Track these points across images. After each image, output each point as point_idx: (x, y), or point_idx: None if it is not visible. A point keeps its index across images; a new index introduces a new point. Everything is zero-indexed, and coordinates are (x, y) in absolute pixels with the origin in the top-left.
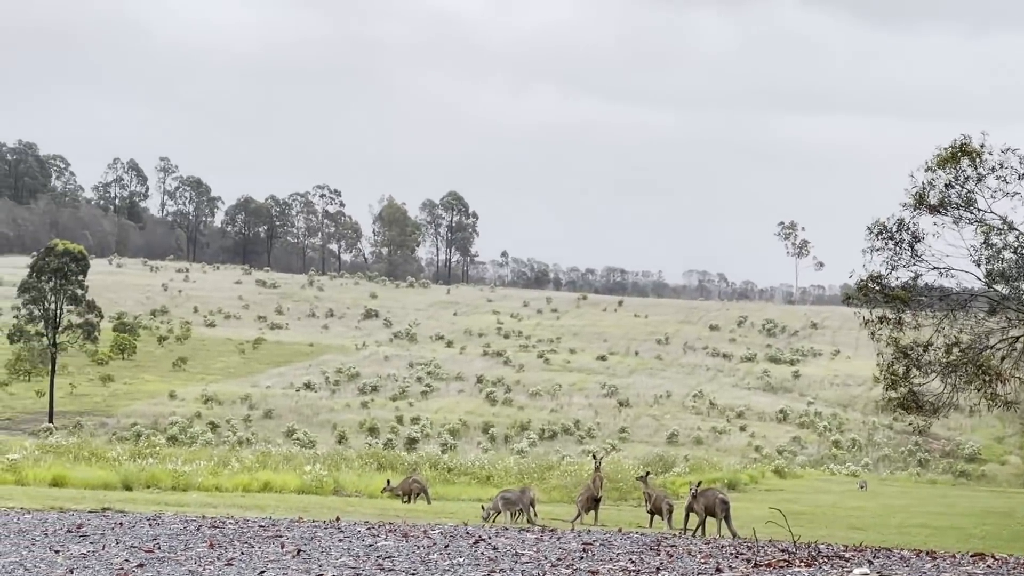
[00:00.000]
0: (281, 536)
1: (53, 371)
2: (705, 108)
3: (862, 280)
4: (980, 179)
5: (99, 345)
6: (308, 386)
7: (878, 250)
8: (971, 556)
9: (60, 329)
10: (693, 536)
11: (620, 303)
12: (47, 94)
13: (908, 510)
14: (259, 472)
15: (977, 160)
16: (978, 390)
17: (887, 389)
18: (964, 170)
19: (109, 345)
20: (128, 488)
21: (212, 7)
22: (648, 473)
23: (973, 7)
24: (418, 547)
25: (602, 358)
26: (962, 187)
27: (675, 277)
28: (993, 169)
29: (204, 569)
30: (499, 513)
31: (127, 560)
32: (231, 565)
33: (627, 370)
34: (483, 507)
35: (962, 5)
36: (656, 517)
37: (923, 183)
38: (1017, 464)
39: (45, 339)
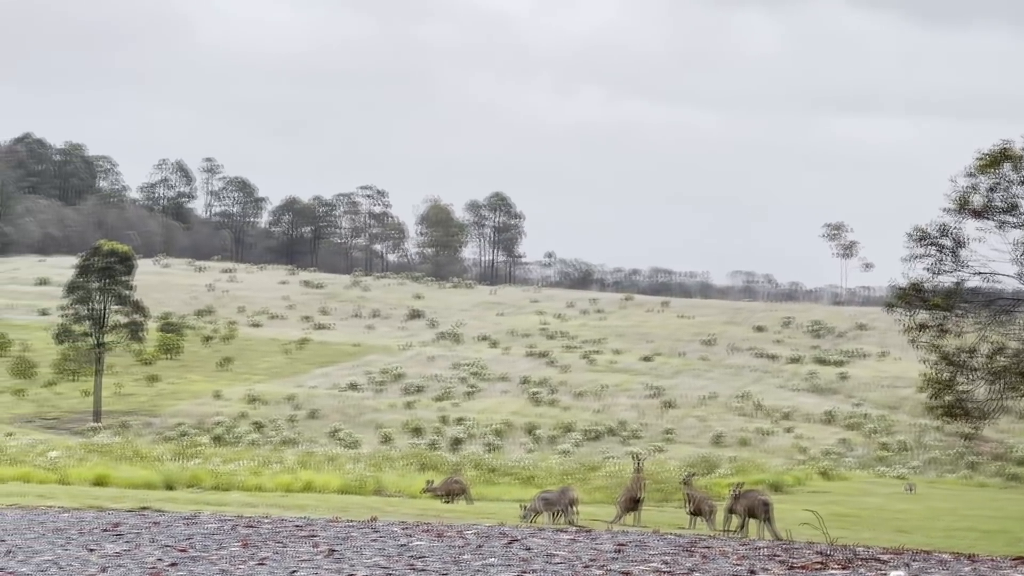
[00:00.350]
0: (316, 536)
1: (99, 371)
2: (751, 109)
3: (902, 288)
4: (1023, 183)
5: (145, 345)
6: (353, 386)
7: (919, 257)
8: (1012, 560)
9: (106, 329)
10: (731, 535)
11: (665, 304)
12: (95, 95)
13: (955, 513)
14: (301, 472)
15: (1019, 164)
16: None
17: (932, 397)
18: (1007, 174)
19: (155, 345)
20: (170, 488)
21: (259, 8)
22: (692, 475)
23: (1020, 6)
24: (451, 547)
25: (647, 359)
26: (1005, 191)
27: (721, 278)
28: None
29: (236, 568)
30: (538, 513)
31: (160, 559)
32: (263, 564)
33: (672, 371)
34: (522, 507)
35: (1012, 5)
36: (698, 519)
37: (965, 188)
38: None
39: (91, 339)
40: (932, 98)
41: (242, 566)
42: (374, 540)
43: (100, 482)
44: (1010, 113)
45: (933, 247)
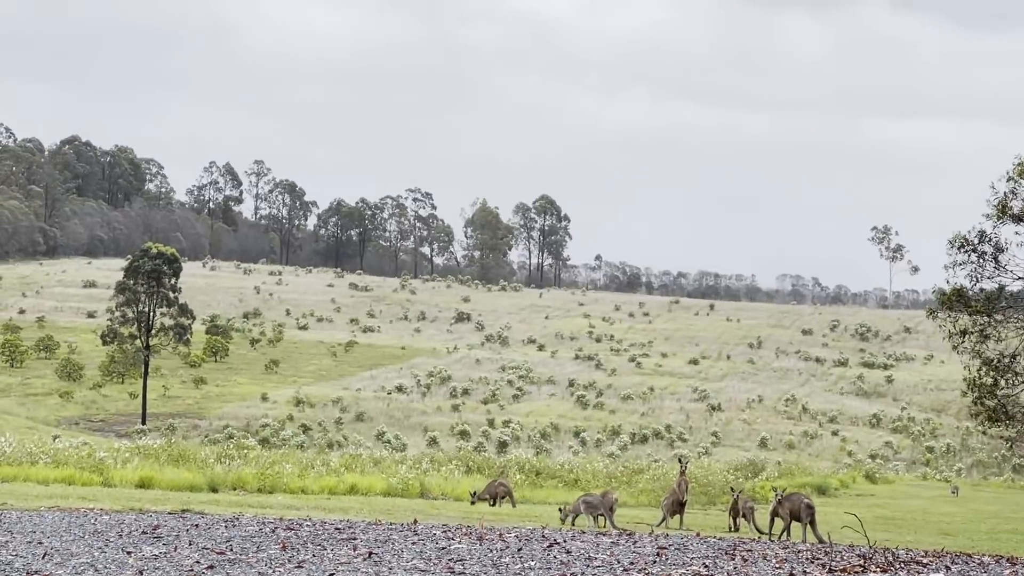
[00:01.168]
0: (356, 539)
1: (146, 373)
2: (797, 111)
3: (944, 294)
4: None
5: (192, 347)
6: (399, 389)
7: (960, 264)
8: None
9: (153, 331)
10: (775, 540)
11: (712, 307)
12: (144, 98)
13: (999, 516)
14: (346, 475)
15: None
16: None
17: (975, 403)
18: None
19: (202, 347)
20: (214, 490)
21: (305, 12)
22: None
23: None
24: (491, 550)
25: (694, 362)
26: None
27: (768, 281)
28: None
29: (274, 571)
30: (576, 516)
31: (198, 562)
32: (301, 567)
33: (719, 374)
34: (561, 509)
35: None
36: (741, 520)
37: (1005, 192)
38: None
39: (138, 341)
40: (975, 101)
41: (280, 569)
42: (414, 543)
43: (144, 484)
44: None
45: (974, 253)
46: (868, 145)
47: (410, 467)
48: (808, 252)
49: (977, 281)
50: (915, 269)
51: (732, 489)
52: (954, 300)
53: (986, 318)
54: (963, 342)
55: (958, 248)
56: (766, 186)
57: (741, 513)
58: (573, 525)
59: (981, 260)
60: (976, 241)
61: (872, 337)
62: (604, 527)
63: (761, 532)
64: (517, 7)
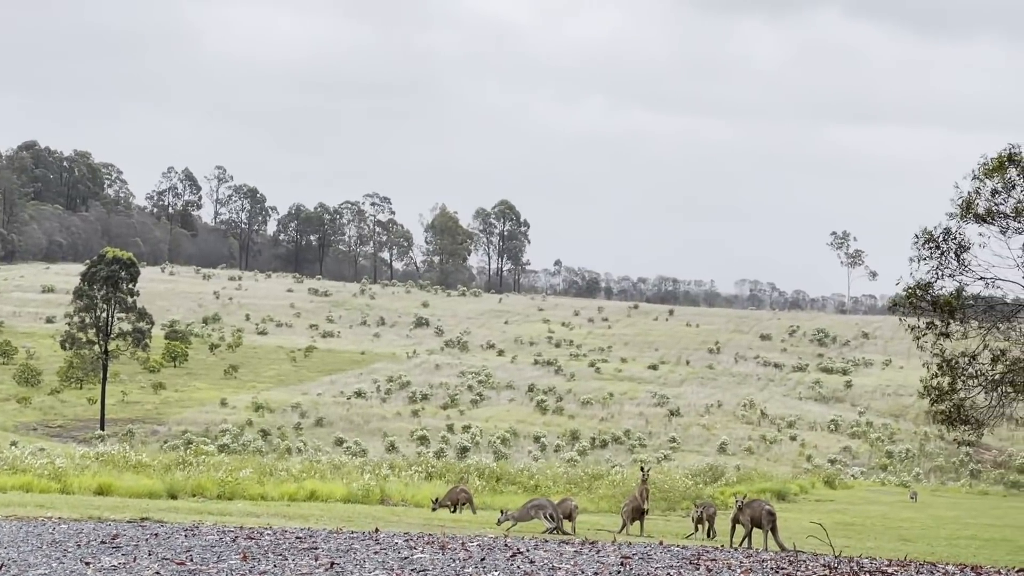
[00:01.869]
0: (317, 548)
1: (105, 378)
2: (754, 118)
3: (909, 288)
4: None
5: (150, 353)
6: (359, 394)
7: (924, 259)
8: (1016, 571)
9: (111, 337)
10: (737, 549)
11: (671, 312)
12: (103, 103)
13: (958, 521)
14: (306, 481)
15: None
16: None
17: (932, 403)
18: (1013, 179)
19: (161, 353)
20: (173, 497)
21: (265, 18)
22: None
23: (1019, 18)
24: (454, 560)
25: (653, 367)
26: (1008, 195)
27: (727, 286)
28: None
29: None
30: (517, 522)
31: (158, 573)
32: None
33: (678, 379)
34: (502, 512)
35: (1006, 15)
36: (699, 526)
37: (969, 192)
38: None
39: (97, 347)
40: (929, 109)
41: None
42: (376, 553)
43: (102, 491)
44: (1006, 123)
45: (937, 250)
46: (825, 152)
47: (371, 473)
48: (766, 257)
49: (939, 278)
50: (873, 275)
51: (695, 504)
52: (918, 294)
53: (948, 316)
54: (926, 334)
55: (923, 244)
56: (725, 192)
57: (706, 517)
58: (508, 532)
59: (944, 258)
60: (940, 238)
61: (830, 342)
62: (548, 529)
63: (709, 536)
64: (477, 14)
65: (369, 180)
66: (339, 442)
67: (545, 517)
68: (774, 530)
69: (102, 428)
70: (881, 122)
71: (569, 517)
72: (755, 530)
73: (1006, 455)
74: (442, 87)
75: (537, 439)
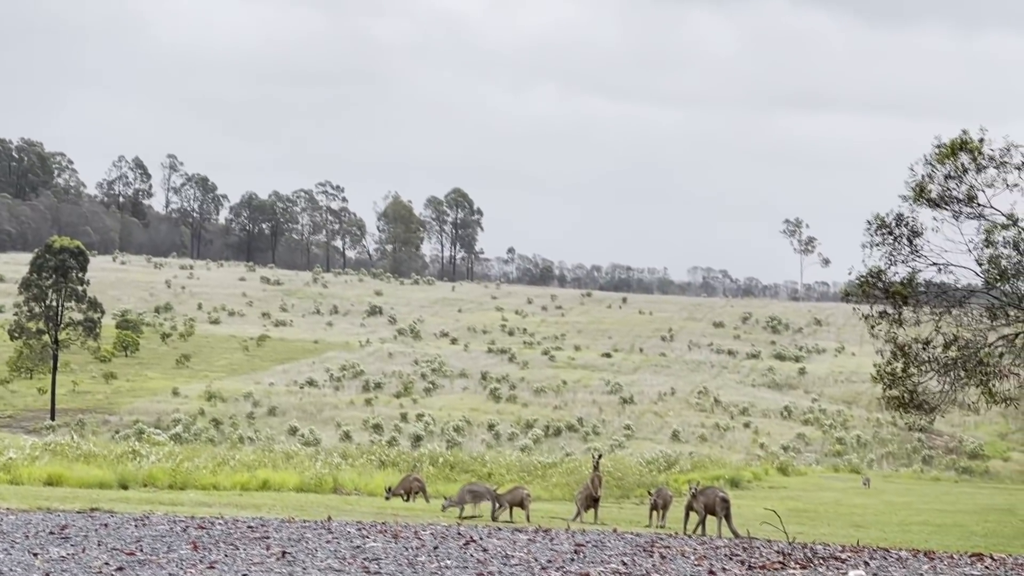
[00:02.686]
0: (269, 537)
1: (55, 368)
2: (706, 106)
3: (862, 276)
4: (980, 170)
5: (101, 342)
6: (312, 383)
7: (877, 245)
8: (969, 556)
9: (62, 326)
10: (692, 536)
11: (625, 300)
12: (51, 92)
13: (910, 507)
14: (258, 470)
15: (977, 155)
16: (976, 387)
17: (885, 389)
18: (964, 165)
19: (112, 342)
20: (124, 487)
21: (213, 6)
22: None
23: (967, 6)
24: (407, 548)
25: (607, 355)
26: (961, 180)
27: (680, 274)
28: (992, 160)
29: (185, 572)
30: (463, 506)
31: (107, 563)
32: (213, 568)
33: (632, 367)
34: (445, 498)
35: (956, 4)
36: (655, 513)
37: (923, 176)
38: (1020, 460)
39: (47, 336)
40: (880, 96)
41: (191, 570)
42: (328, 542)
43: (52, 482)
44: (957, 112)
45: (890, 236)
46: (777, 140)
47: (323, 462)
48: (718, 245)
49: (892, 264)
50: (826, 262)
51: (649, 493)
52: (871, 282)
53: (902, 301)
54: (880, 323)
55: (875, 230)
56: (677, 180)
57: (661, 504)
58: (461, 518)
59: (897, 243)
60: (893, 224)
61: (783, 329)
62: (485, 515)
63: (659, 525)
64: (429, 3)
65: (322, 169)
66: (292, 431)
67: (483, 502)
68: (728, 517)
69: (53, 418)
70: (832, 110)
71: (521, 505)
72: (709, 517)
73: (957, 441)
74: (394, 76)
75: (491, 427)
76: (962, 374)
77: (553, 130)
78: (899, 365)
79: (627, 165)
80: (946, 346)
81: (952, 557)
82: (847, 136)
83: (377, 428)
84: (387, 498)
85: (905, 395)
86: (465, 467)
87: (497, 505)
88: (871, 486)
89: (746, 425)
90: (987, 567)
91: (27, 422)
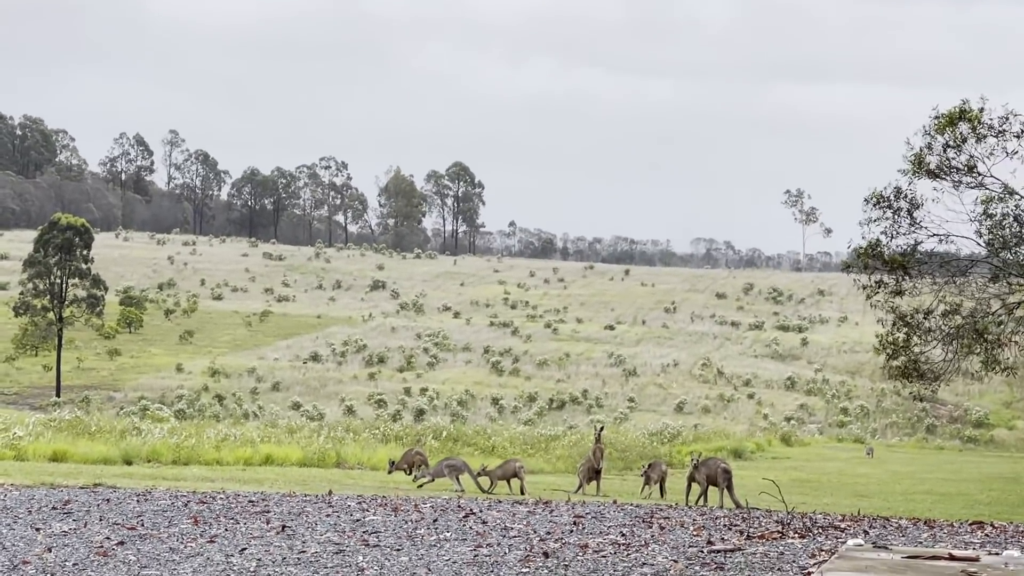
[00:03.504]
0: (269, 512)
1: (60, 345)
2: (705, 78)
3: (860, 249)
4: (980, 139)
5: (105, 319)
6: (315, 358)
7: (876, 220)
8: (970, 524)
9: (66, 303)
10: (693, 507)
11: (627, 272)
12: (51, 69)
13: (914, 476)
14: (261, 445)
15: (976, 124)
16: (978, 355)
17: (888, 359)
18: (963, 134)
19: (116, 319)
20: (128, 463)
21: None
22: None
23: None
24: (407, 521)
25: (609, 327)
26: (959, 150)
27: (682, 246)
28: (991, 128)
29: (186, 546)
30: (433, 479)
31: (108, 538)
32: (213, 542)
33: (634, 339)
34: (419, 472)
35: None
36: (647, 487)
37: (921, 147)
38: None
39: (51, 314)
40: (880, 66)
41: (191, 544)
42: (328, 515)
43: (57, 458)
44: (955, 81)
45: (889, 210)
46: (775, 111)
47: (327, 436)
48: (721, 216)
49: (892, 238)
50: (828, 231)
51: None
52: (869, 255)
53: (902, 273)
54: (878, 293)
55: (874, 204)
56: (677, 152)
57: (658, 478)
58: (420, 487)
59: (896, 217)
60: (892, 197)
61: (786, 300)
62: (462, 489)
63: (645, 489)
64: None
65: (323, 144)
66: (296, 406)
67: (456, 478)
68: (730, 488)
69: (58, 395)
70: (831, 80)
71: (516, 476)
72: (711, 488)
73: (962, 410)
74: (391, 50)
75: (494, 401)
76: (965, 343)
77: (551, 103)
78: (901, 335)
79: (626, 137)
80: (947, 314)
81: (952, 525)
82: (846, 106)
83: (381, 403)
84: (389, 472)
85: (908, 365)
86: (468, 440)
87: (479, 478)
88: (875, 456)
89: (749, 396)
90: (987, 535)
91: (33, 399)
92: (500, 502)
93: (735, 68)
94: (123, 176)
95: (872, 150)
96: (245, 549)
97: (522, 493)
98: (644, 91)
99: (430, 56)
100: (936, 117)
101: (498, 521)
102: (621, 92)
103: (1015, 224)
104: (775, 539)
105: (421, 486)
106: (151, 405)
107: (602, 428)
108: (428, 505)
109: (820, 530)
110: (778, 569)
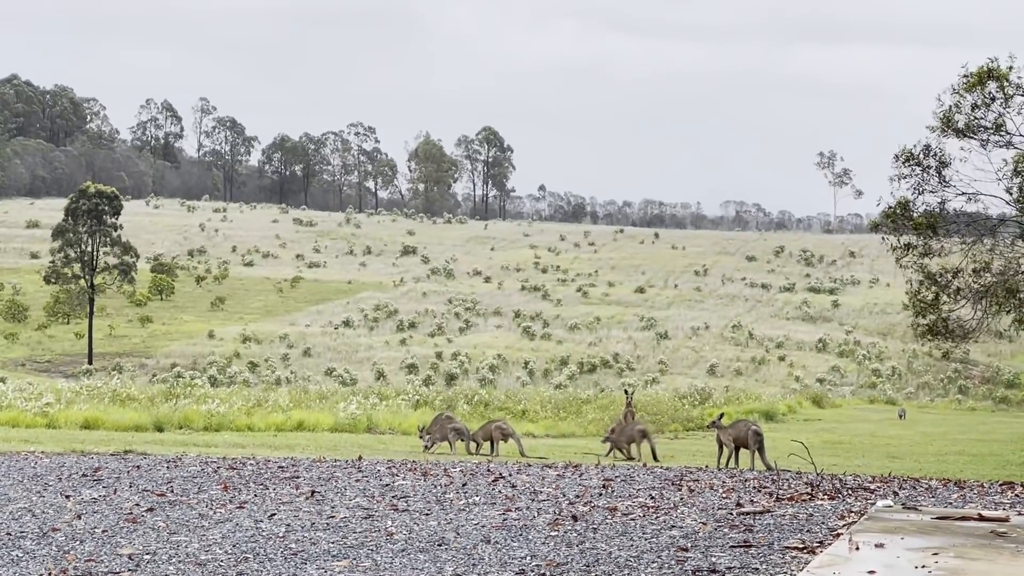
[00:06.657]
0: (299, 477)
1: (91, 313)
2: (730, 40)
3: (890, 207)
4: (1008, 98)
5: (137, 286)
6: (346, 324)
7: (905, 177)
8: (1000, 484)
9: (97, 271)
10: (722, 469)
11: (657, 235)
12: (79, 37)
13: (946, 437)
14: (293, 411)
15: (1005, 83)
16: (1008, 313)
17: (917, 316)
18: (992, 93)
19: (147, 286)
20: (160, 430)
21: None
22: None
23: None
24: (436, 486)
25: (640, 291)
26: (988, 108)
27: (712, 208)
28: (1019, 87)
29: (215, 512)
30: (435, 443)
31: (137, 504)
32: (242, 508)
33: (665, 302)
34: (423, 436)
35: None
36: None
37: (950, 106)
38: None
39: (82, 281)
40: (905, 27)
41: (220, 510)
42: (357, 480)
43: (89, 425)
44: (980, 40)
45: (918, 167)
46: (801, 72)
47: (359, 403)
48: (749, 178)
49: (920, 195)
50: (859, 193)
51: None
52: (899, 213)
53: (931, 232)
54: (907, 254)
55: (903, 162)
56: (704, 114)
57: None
58: (429, 449)
59: (925, 174)
60: (921, 155)
61: (817, 262)
62: (472, 452)
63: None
64: None
65: (352, 110)
66: (328, 372)
67: (452, 441)
68: (761, 450)
69: (90, 362)
70: (853, 41)
71: (490, 438)
72: (743, 451)
73: (994, 371)
74: (415, 15)
75: (525, 365)
76: (995, 300)
77: (576, 66)
78: (929, 294)
79: (653, 101)
80: (976, 272)
81: (982, 486)
82: (868, 67)
83: (412, 368)
84: (421, 437)
85: (937, 323)
86: (500, 405)
87: (470, 441)
88: (906, 417)
89: (781, 359)
90: (1017, 495)
91: (65, 367)
92: (530, 466)
93: (759, 29)
94: (152, 144)
95: (900, 112)
96: (274, 514)
97: (521, 456)
98: (665, 54)
99: (454, 21)
100: (965, 76)
101: (527, 485)
102: (645, 55)
103: None
104: (804, 501)
105: (424, 441)
106: (183, 372)
107: (633, 391)
108: (457, 470)
109: (849, 491)
110: (807, 531)
